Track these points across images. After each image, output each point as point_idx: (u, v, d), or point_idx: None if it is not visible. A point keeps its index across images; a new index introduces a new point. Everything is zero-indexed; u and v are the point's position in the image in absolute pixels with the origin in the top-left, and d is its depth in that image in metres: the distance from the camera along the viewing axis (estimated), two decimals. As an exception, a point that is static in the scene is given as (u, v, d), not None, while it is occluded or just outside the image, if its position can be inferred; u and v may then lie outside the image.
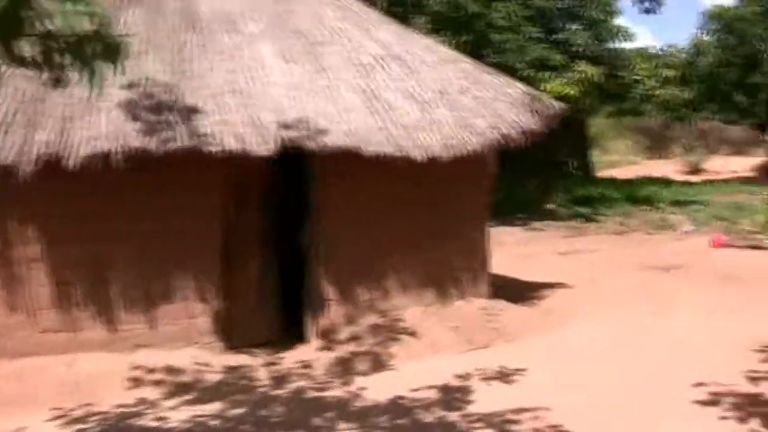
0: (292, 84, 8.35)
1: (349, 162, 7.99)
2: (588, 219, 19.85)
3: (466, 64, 9.72)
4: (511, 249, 15.59)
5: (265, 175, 8.45)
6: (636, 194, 23.70)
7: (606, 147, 49.47)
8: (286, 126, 7.71)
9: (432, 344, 8.34)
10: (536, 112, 9.10)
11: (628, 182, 28.44)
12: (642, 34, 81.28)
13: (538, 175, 24.64)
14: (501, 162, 9.54)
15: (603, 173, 34.87)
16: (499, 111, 8.86)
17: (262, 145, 7.51)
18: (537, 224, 19.19)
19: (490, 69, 9.95)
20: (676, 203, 21.68)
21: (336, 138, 7.80)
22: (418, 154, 7.98)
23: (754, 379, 6.92)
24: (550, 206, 21.96)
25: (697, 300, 10.39)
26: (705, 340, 8.42)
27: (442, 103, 8.78)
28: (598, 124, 39.18)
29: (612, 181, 29.06)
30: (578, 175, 28.71)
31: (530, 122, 8.93)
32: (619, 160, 44.07)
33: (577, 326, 9.19)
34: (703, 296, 10.64)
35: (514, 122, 8.78)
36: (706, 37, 32.71)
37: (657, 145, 46.59)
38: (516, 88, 9.39)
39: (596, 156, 41.78)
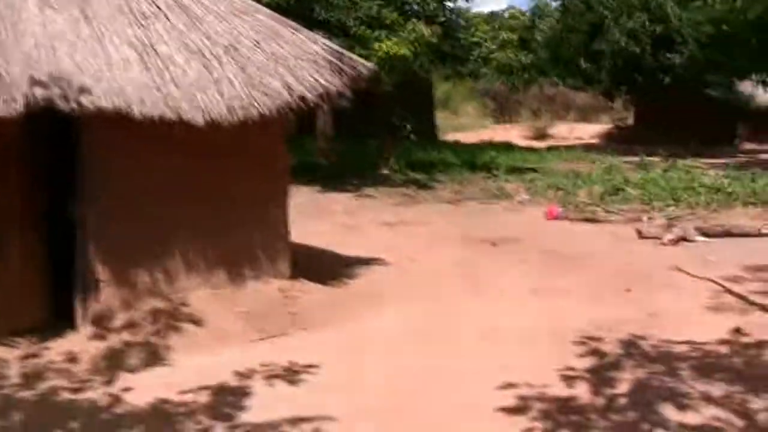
0: (50, 33, 7.35)
1: (122, 127, 7.15)
2: (423, 186, 19.60)
3: (264, 15, 8.96)
4: (337, 218, 15.12)
5: (22, 141, 7.48)
6: (476, 160, 23.68)
7: (456, 110, 49.94)
8: (39, 83, 6.78)
9: (217, 333, 7.65)
10: (343, 72, 8.49)
11: (471, 147, 28.51)
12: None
13: (375, 138, 24.31)
14: (336, 123, 8.92)
15: (450, 137, 35.03)
16: (297, 70, 8.19)
17: (9, 104, 6.59)
18: (369, 191, 18.75)
19: (293, 22, 9.16)
20: (516, 170, 21.72)
21: (100, 97, 6.91)
22: (198, 117, 7.25)
23: (568, 379, 6.55)
24: (385, 171, 21.60)
25: (520, 280, 10.10)
26: (521, 329, 8.06)
27: (231, 59, 8.01)
28: (446, 87, 39.34)
29: (455, 146, 29.08)
30: (418, 139, 28.59)
31: (335, 83, 8.31)
32: (468, 124, 44.52)
33: (384, 312, 8.68)
34: (527, 276, 10.37)
35: (314, 83, 8.15)
36: (552, 2, 33.16)
37: (505, 110, 47.27)
38: (321, 45, 8.73)
39: (445, 119, 42.03)
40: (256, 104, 7.64)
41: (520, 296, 9.44)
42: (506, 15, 26.05)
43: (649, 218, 14.28)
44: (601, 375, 6.67)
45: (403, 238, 13.30)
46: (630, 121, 38.33)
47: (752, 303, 8.78)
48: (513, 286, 9.88)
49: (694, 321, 8.28)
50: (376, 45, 18.48)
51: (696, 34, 27.24)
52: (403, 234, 13.69)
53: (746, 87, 29.33)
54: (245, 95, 7.65)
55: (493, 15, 28.89)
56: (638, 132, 33.64)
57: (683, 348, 7.39)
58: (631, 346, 7.51)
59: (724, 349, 7.37)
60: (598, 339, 7.70)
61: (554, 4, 33.22)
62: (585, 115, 46.14)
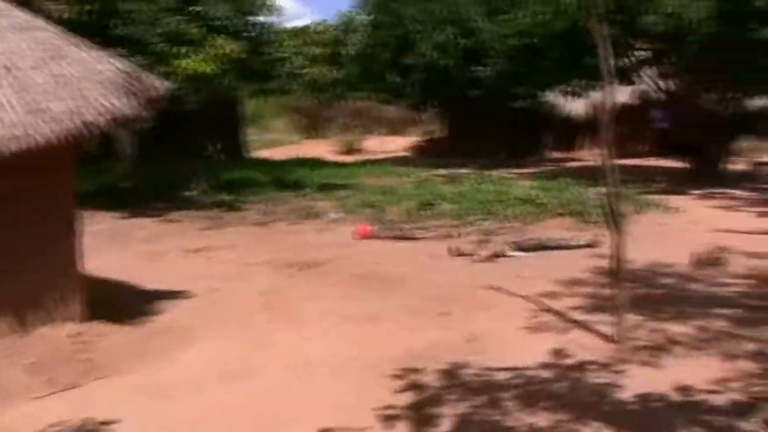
0: None
1: None
2: (231, 207, 18.91)
3: (47, 32, 8.17)
4: (139, 246, 14.25)
5: None
6: (286, 178, 23.21)
7: (266, 126, 49.37)
8: None
9: (-3, 390, 6.82)
10: (137, 93, 7.79)
11: (281, 164, 28.04)
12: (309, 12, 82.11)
13: (180, 159, 23.47)
14: (139, 145, 8.17)
15: (260, 154, 34.43)
16: (84, 92, 7.46)
17: None
18: (175, 215, 17.89)
19: (82, 40, 8.40)
20: (327, 187, 21.38)
21: None
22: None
23: (388, 420, 6.13)
24: (191, 193, 20.76)
25: (332, 307, 9.66)
26: (334, 361, 7.64)
27: (8, 81, 7.22)
28: (256, 103, 38.73)
29: (264, 164, 28.56)
30: (226, 159, 27.89)
31: (127, 106, 7.61)
32: (278, 140, 44.06)
33: (190, 350, 8.04)
34: (339, 302, 9.94)
35: (104, 106, 7.42)
36: (362, 16, 33.13)
37: (314, 125, 47.14)
38: (110, 65, 8.00)
39: (255, 136, 41.37)
40: (36, 132, 6.84)
41: (332, 324, 9.00)
42: (314, 29, 25.73)
43: (463, 234, 14.20)
44: (421, 412, 6.28)
45: (210, 265, 12.64)
46: (440, 133, 38.89)
47: (570, 320, 8.69)
48: (325, 313, 9.42)
49: (514, 343, 8.07)
50: (179, 62, 17.70)
51: (503, 47, 27.82)
52: (209, 261, 13.02)
53: (551, 97, 30.24)
54: (25, 122, 6.83)
55: (301, 29, 28.51)
56: (449, 144, 34.14)
57: (505, 375, 7.14)
58: (451, 377, 7.20)
59: (546, 374, 7.17)
60: (417, 370, 7.34)
61: (363, 18, 33.28)
62: (396, 128, 46.65)
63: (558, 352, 7.67)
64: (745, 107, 23.35)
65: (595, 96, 25.84)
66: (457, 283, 10.76)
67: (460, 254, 12.45)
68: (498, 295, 10.01)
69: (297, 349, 8.11)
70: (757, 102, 24.46)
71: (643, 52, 22.55)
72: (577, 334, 8.25)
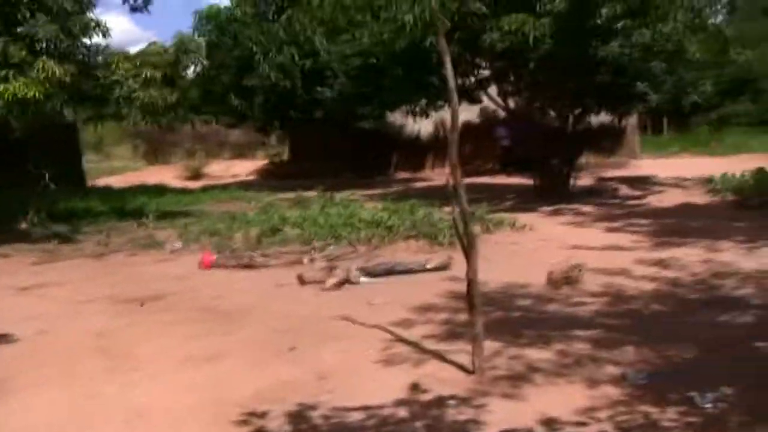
0: None
1: None
2: (66, 240, 17.66)
3: None
4: (-41, 287, 12.96)
5: None
6: (126, 206, 22.09)
7: (108, 153, 47.58)
8: None
9: None
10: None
11: (122, 192, 26.81)
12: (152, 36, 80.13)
13: (11, 188, 21.98)
14: None
15: (102, 181, 32.97)
16: None
17: None
18: (3, 249, 16.55)
19: None
20: (169, 215, 20.37)
21: None
22: None
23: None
24: (23, 226, 19.34)
25: (171, 347, 8.78)
26: (173, 410, 6.82)
27: None
28: (97, 129, 37.11)
29: (104, 192, 27.30)
30: (64, 187, 26.36)
31: None
32: (121, 167, 42.52)
33: (8, 405, 7.09)
34: (179, 341, 9.07)
35: None
36: (201, 38, 32.14)
37: (157, 151, 45.72)
38: None
39: (96, 163, 39.69)
40: None
41: (172, 368, 8.13)
42: (149, 51, 24.57)
43: (311, 260, 13.55)
44: (267, 466, 5.60)
45: (40, 304, 11.52)
46: (286, 156, 38.24)
47: (426, 351, 8.15)
48: (164, 355, 8.55)
49: (367, 379, 7.46)
50: (2, 86, 16.40)
51: (345, 68, 27.48)
52: (40, 299, 11.89)
53: (397, 118, 30.05)
54: None
55: (137, 53, 27.30)
56: (294, 167, 33.57)
57: (358, 416, 6.52)
58: (300, 420, 6.52)
59: (402, 412, 6.57)
60: (263, 414, 6.64)
61: (201, 40, 32.28)
62: (241, 152, 45.81)
63: (414, 387, 7.10)
64: (587, 123, 23.71)
65: (440, 115, 25.83)
66: (305, 313, 10.06)
67: (308, 282, 11.78)
68: (349, 325, 9.37)
69: (132, 398, 7.24)
70: (600, 118, 24.93)
71: (485, 71, 22.54)
72: (433, 366, 7.70)
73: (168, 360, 8.39)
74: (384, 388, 7.12)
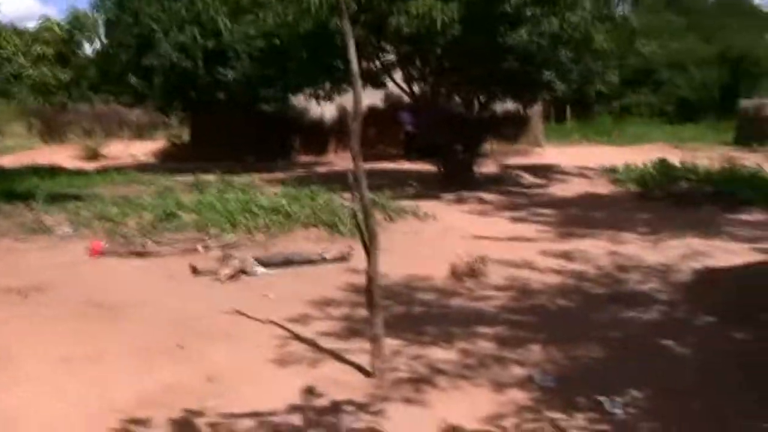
0: None
1: None
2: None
3: None
4: None
5: None
6: (15, 187, 20.90)
7: (3, 131, 45.69)
8: None
9: None
10: None
11: (12, 173, 25.52)
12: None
13: None
14: None
15: (-4, 162, 31.51)
16: None
17: None
18: None
19: None
20: (60, 198, 19.34)
21: None
22: None
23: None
24: None
25: (49, 346, 7.99)
26: (48, 419, 6.20)
27: None
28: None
29: (-3, 173, 25.95)
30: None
31: None
32: (15, 146, 40.80)
33: None
34: (58, 338, 8.29)
35: None
36: (99, 15, 30.88)
37: (52, 130, 44.03)
38: None
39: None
40: None
41: (48, 368, 7.41)
42: (41, 27, 23.43)
43: (205, 248, 12.89)
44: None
45: None
46: (186, 137, 37.18)
47: (323, 350, 7.66)
48: (40, 353, 7.79)
49: (259, 382, 6.94)
50: None
51: (249, 49, 26.72)
52: None
53: (300, 101, 29.38)
54: None
55: (30, 29, 25.99)
56: (195, 149, 32.58)
57: (248, 423, 6.02)
58: (184, 428, 6.00)
59: (296, 419, 6.10)
60: (144, 422, 6.08)
61: (98, 16, 31.03)
62: (141, 132, 44.40)
63: (309, 391, 6.63)
64: (492, 110, 23.51)
65: (345, 99, 25.35)
66: (196, 308, 9.40)
67: (202, 273, 11.15)
68: (242, 321, 8.80)
69: (3, 405, 6.57)
70: (505, 105, 24.75)
71: (391, 55, 22.07)
72: (330, 367, 7.23)
73: (45, 359, 7.67)
74: (277, 391, 6.63)
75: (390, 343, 7.41)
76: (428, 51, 19.87)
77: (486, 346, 7.82)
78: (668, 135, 36.15)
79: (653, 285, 10.50)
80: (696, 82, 42.13)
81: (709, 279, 10.82)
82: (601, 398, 6.32)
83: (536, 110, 31.51)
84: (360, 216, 7.10)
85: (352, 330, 8.28)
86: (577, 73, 20.02)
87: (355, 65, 6.96)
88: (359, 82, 7.10)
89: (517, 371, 7.09)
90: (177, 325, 8.65)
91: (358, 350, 7.42)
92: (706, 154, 27.91)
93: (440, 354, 7.57)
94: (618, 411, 6.12)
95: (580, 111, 41.00)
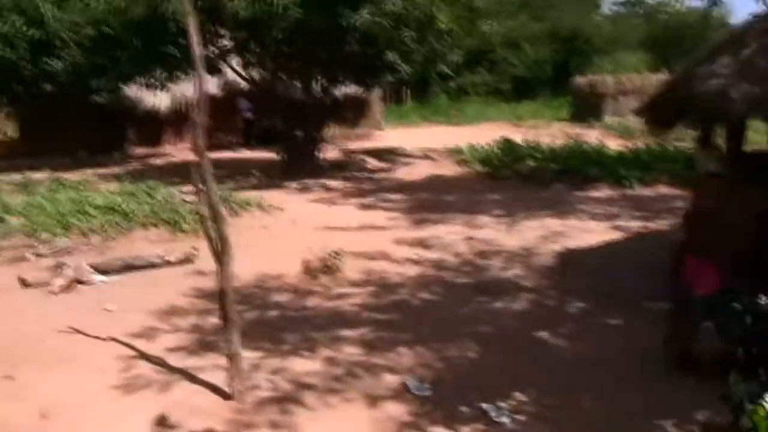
0: None
1: None
2: None
3: None
4: None
5: None
6: None
7: None
8: None
9: None
10: None
11: None
12: None
13: None
14: None
15: None
16: None
17: None
18: None
19: None
20: None
21: None
22: None
23: None
24: None
25: None
26: None
27: None
28: None
29: None
30: None
31: None
32: None
33: None
34: None
35: None
36: None
37: None
38: None
39: None
40: None
41: None
42: None
43: (36, 255, 11.73)
44: None
45: None
46: (13, 133, 34.91)
47: (174, 370, 6.87)
48: None
49: (102, 414, 6.11)
50: None
51: (77, 38, 25.10)
52: None
53: (134, 91, 27.91)
54: None
55: None
56: (24, 145, 30.52)
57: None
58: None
59: (146, 459, 5.35)
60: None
61: None
62: None
63: (162, 422, 5.87)
64: (333, 95, 22.84)
65: (179, 88, 24.21)
66: (27, 328, 8.30)
67: (32, 285, 10.05)
68: (80, 341, 7.83)
69: None
70: (346, 89, 24.10)
71: (228, 40, 21.07)
72: (184, 390, 6.46)
73: None
74: (123, 424, 5.86)
75: (247, 356, 6.73)
76: (267, 35, 19.01)
77: (352, 352, 7.24)
78: (506, 113, 36.46)
79: (517, 271, 10.18)
80: (530, 61, 42.73)
81: (573, 261, 10.59)
82: (485, 406, 5.86)
83: (376, 92, 31.08)
84: (208, 219, 6.32)
85: (204, 343, 7.52)
86: (421, 54, 19.59)
87: (197, 50, 6.22)
88: (203, 77, 6.35)
89: (390, 380, 6.55)
90: (4, 351, 7.62)
91: (213, 367, 6.72)
92: (546, 131, 28.20)
93: (303, 365, 6.93)
94: (505, 420, 5.66)
95: (418, 92, 40.88)
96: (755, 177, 8.34)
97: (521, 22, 42.20)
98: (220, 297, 6.24)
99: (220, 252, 6.17)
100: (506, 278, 9.89)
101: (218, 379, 6.43)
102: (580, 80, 34.48)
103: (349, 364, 6.92)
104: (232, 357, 6.19)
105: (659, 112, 8.85)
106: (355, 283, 9.77)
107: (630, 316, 8.11)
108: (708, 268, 6.45)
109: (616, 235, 12.08)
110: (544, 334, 7.66)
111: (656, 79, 32.85)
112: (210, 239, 6.25)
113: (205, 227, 6.32)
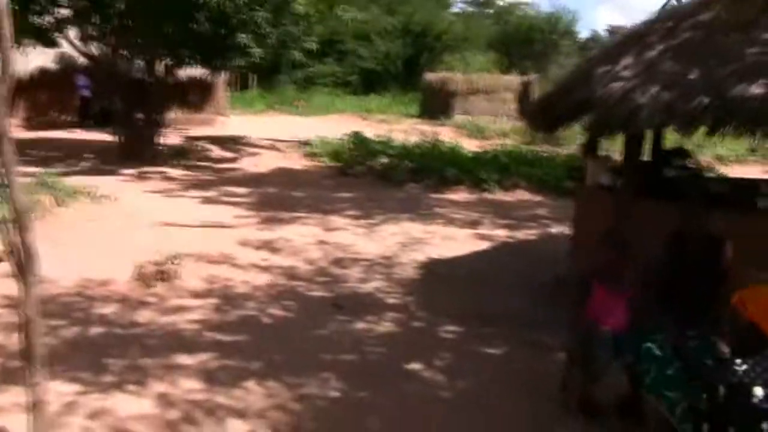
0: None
1: None
2: None
3: None
4: None
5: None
6: None
7: None
8: None
9: None
10: None
11: None
12: None
13: None
14: None
15: None
16: None
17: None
18: None
19: None
20: None
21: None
22: None
23: None
24: None
25: None
26: None
27: None
28: None
29: None
30: None
31: None
32: None
33: None
34: None
35: None
36: None
37: None
38: None
39: None
40: None
41: None
42: None
43: None
44: None
45: None
46: None
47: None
48: None
49: None
50: None
51: None
52: None
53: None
54: None
55: None
56: None
57: None
58: None
59: None
60: None
61: None
62: None
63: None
64: (177, 76, 21.19)
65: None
66: None
67: None
68: None
69: None
70: (191, 71, 22.42)
71: (65, 10, 19.07)
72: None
73: None
74: None
75: (60, 390, 5.37)
76: (109, 5, 17.26)
77: (190, 388, 5.95)
78: (354, 106, 35.59)
79: (378, 284, 9.13)
80: (380, 54, 42.04)
81: (439, 274, 9.64)
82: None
83: (221, 77, 29.48)
84: (11, 222, 4.88)
85: (5, 372, 6.04)
86: (275, 37, 18.29)
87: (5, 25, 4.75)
88: (8, 44, 4.88)
89: (237, 428, 5.30)
90: None
91: (15, 407, 5.27)
92: (398, 127, 27.42)
93: (129, 405, 5.59)
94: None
95: (265, 79, 39.47)
96: (661, 191, 7.59)
97: (372, 14, 41.41)
98: (24, 329, 4.77)
99: (25, 268, 4.73)
100: (367, 292, 8.79)
101: (20, 424, 5.00)
102: (430, 77, 34.00)
103: (187, 404, 5.63)
104: (35, 405, 4.76)
105: (547, 113, 7.96)
106: (195, 294, 8.45)
107: (511, 343, 7.17)
108: (617, 298, 5.54)
109: (481, 245, 11.23)
110: (416, 366, 6.58)
111: (507, 80, 32.85)
112: (12, 249, 4.79)
113: (4, 233, 4.85)
